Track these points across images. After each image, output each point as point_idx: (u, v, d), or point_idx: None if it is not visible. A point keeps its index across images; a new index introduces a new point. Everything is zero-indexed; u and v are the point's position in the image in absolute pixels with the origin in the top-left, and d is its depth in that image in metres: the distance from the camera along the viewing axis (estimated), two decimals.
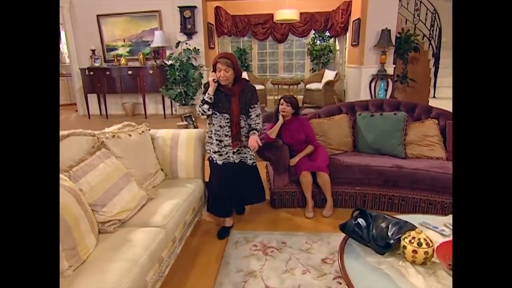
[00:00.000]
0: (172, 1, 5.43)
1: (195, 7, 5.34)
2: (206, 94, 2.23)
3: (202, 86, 2.33)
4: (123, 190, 1.90)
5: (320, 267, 2.01)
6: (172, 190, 2.25)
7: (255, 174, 2.50)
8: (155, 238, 1.66)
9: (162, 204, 2.00)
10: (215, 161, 2.35)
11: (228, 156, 2.34)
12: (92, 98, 5.93)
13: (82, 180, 1.70)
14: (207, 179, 2.54)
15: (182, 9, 5.31)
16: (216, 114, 2.28)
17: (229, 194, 2.40)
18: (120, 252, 1.50)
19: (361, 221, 1.57)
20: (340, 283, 1.87)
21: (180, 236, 2.02)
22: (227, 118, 2.26)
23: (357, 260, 1.41)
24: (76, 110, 6.48)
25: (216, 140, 2.31)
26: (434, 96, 5.31)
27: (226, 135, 2.29)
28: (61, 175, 1.57)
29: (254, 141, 2.28)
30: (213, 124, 2.31)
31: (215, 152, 2.34)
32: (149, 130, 2.53)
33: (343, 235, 2.25)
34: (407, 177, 2.58)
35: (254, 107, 2.32)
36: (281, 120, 2.70)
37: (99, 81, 5.59)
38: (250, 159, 2.41)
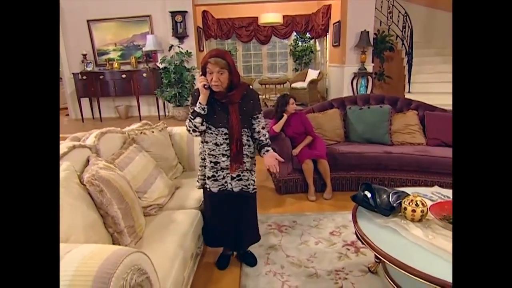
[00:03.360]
0: (163, 6, 5.63)
1: (186, 11, 5.56)
2: (197, 104, 1.74)
3: (190, 96, 1.86)
4: (157, 179, 2.14)
5: (329, 238, 2.35)
6: (193, 180, 2.50)
7: (253, 205, 2.03)
8: (195, 217, 1.93)
9: (190, 191, 2.26)
10: (208, 189, 1.90)
11: (226, 182, 1.86)
12: (84, 102, 6.00)
13: (125, 170, 1.93)
14: None
15: (173, 14, 5.52)
16: (210, 129, 1.80)
17: (229, 228, 1.98)
18: (170, 229, 1.76)
19: (367, 192, 1.91)
20: (349, 249, 2.21)
21: None
22: (225, 133, 1.78)
23: (368, 222, 1.74)
24: (67, 114, 6.50)
25: (211, 162, 1.84)
26: (409, 91, 5.83)
27: (223, 155, 1.81)
28: (112, 166, 1.80)
29: (273, 158, 1.85)
30: (207, 142, 1.83)
31: (209, 178, 1.87)
32: (166, 127, 2.77)
33: (345, 213, 2.65)
34: (396, 160, 2.97)
35: (258, 118, 1.87)
36: (285, 116, 3.02)
37: (93, 85, 5.68)
38: (252, 185, 1.93)
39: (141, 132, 2.39)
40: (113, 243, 1.59)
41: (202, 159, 1.93)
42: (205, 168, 1.90)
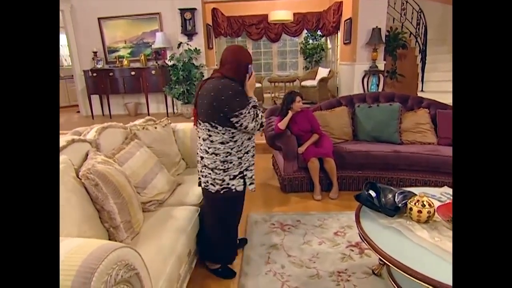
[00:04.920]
0: (172, 4, 5.63)
1: (195, 9, 5.55)
2: (255, 100, 1.77)
3: (240, 94, 1.70)
4: (158, 175, 2.12)
5: (333, 238, 2.28)
6: (196, 176, 2.48)
7: None
8: (194, 214, 1.90)
9: (191, 187, 2.23)
10: (253, 189, 1.86)
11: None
12: (94, 99, 6.07)
13: (125, 165, 1.91)
14: None
15: (182, 11, 5.52)
16: None
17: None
18: (168, 225, 1.74)
19: (372, 192, 1.83)
20: (353, 250, 2.14)
21: None
22: None
23: (371, 222, 1.67)
24: (78, 111, 6.60)
25: (253, 157, 1.84)
26: (422, 90, 5.67)
27: (253, 147, 1.85)
28: (111, 160, 1.79)
29: None
30: (250, 138, 1.80)
31: (251, 177, 1.82)
32: (170, 123, 2.75)
33: (350, 213, 2.57)
34: (405, 160, 2.87)
35: None
36: (290, 113, 2.96)
37: (103, 82, 5.74)
38: None
39: (144, 128, 2.38)
40: (109, 238, 1.57)
41: (248, 160, 1.79)
42: (246, 170, 1.78)
